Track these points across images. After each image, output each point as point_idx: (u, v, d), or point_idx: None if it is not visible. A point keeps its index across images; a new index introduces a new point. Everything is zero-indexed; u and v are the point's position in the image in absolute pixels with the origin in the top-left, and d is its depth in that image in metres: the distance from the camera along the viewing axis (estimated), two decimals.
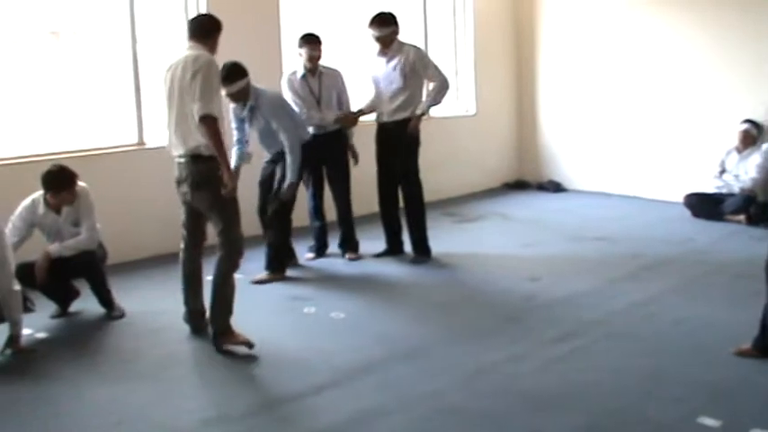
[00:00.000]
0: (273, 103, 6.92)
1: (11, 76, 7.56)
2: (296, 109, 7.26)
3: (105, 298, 6.25)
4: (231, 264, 5.48)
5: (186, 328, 5.83)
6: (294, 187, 6.91)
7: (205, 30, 5.51)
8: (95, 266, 6.25)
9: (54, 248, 6.05)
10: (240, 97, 6.83)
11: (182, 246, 5.82)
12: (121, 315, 6.21)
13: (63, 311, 6.29)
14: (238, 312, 6.11)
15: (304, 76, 7.44)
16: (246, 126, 7.10)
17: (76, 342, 5.80)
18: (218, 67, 5.41)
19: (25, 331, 5.77)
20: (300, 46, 7.41)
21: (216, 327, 5.45)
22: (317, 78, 7.45)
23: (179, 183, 5.56)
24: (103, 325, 6.08)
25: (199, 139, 5.27)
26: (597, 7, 10.38)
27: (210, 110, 5.18)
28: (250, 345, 5.35)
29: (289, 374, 5.00)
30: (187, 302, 5.80)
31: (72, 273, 6.22)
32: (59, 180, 5.98)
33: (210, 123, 5.18)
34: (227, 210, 5.42)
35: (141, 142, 7.96)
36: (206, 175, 5.36)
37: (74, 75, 7.99)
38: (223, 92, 6.25)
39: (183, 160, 5.45)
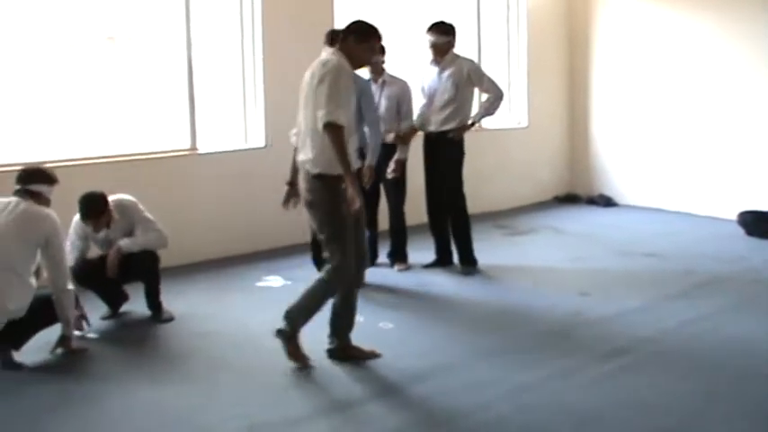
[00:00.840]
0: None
1: (68, 81, 7.66)
2: None
3: (156, 302, 6.30)
4: (328, 289, 5.23)
5: (234, 332, 5.86)
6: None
7: (338, 34, 5.34)
8: (156, 268, 6.30)
9: (125, 243, 6.10)
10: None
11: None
12: (170, 318, 6.25)
13: (113, 313, 6.35)
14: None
15: (368, 83, 7.31)
16: None
17: (126, 343, 5.87)
18: (349, 73, 5.12)
19: (76, 332, 5.85)
20: None
21: (289, 327, 5.23)
22: (380, 86, 7.40)
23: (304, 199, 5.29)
24: (152, 328, 6.13)
25: (315, 153, 5.02)
26: (653, 18, 10.27)
27: (336, 117, 4.86)
28: (308, 365, 5.22)
29: (336, 384, 5.00)
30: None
31: (132, 274, 6.25)
32: (90, 209, 5.95)
33: (335, 132, 4.86)
34: (337, 235, 5.10)
35: (194, 147, 8.02)
36: (318, 194, 5.09)
37: (128, 79, 8.08)
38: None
39: (305, 168, 5.18)
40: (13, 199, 5.39)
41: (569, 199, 11.09)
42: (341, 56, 5.09)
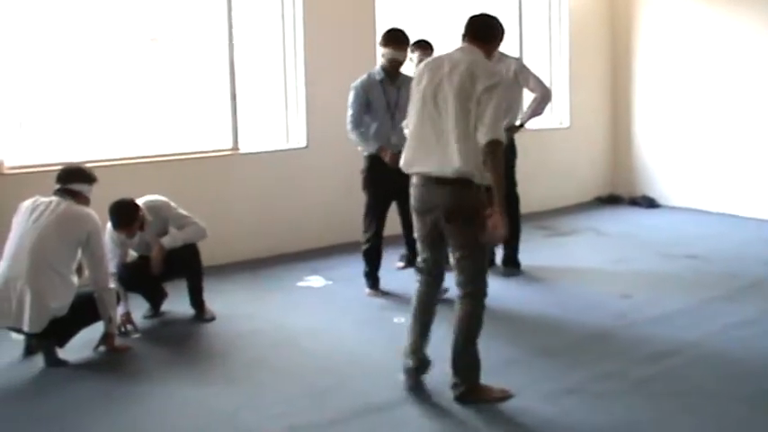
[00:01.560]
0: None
1: (111, 81, 7.72)
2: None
3: (199, 299, 6.33)
4: (480, 317, 4.79)
5: (274, 332, 5.89)
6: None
7: (491, 33, 4.85)
8: (197, 264, 6.35)
9: (167, 240, 6.14)
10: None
11: (418, 278, 5.03)
12: (212, 318, 6.28)
13: (155, 312, 6.40)
14: (327, 321, 6.17)
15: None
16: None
17: (168, 343, 5.92)
18: (504, 84, 4.77)
19: (121, 330, 5.91)
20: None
21: (461, 383, 4.75)
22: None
23: (422, 211, 4.78)
24: (194, 327, 6.17)
25: (463, 162, 4.53)
26: (696, 17, 10.15)
27: (500, 134, 4.47)
28: (508, 396, 4.77)
29: (377, 384, 4.99)
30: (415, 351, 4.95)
31: (174, 271, 6.28)
32: (120, 218, 5.93)
33: (498, 150, 4.46)
34: (479, 251, 4.72)
35: (235, 147, 8.06)
36: (465, 206, 4.61)
37: (171, 80, 8.13)
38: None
39: (430, 181, 4.68)
40: (54, 198, 5.46)
41: (611, 200, 11.00)
42: (482, 55, 4.73)
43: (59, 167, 5.74)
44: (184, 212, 6.30)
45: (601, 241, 8.86)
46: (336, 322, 6.17)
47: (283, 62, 8.42)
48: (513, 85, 7.18)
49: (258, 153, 8.23)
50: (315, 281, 7.33)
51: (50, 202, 5.42)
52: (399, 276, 7.21)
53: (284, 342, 5.78)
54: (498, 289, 6.95)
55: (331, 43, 8.39)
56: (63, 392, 4.96)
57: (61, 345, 5.41)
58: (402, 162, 4.85)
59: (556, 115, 10.71)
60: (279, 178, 8.25)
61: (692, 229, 9.31)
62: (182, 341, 5.93)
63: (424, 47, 7.24)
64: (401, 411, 4.63)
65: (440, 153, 4.59)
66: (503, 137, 4.50)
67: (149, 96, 7.99)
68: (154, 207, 6.19)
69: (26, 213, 5.42)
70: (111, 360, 5.49)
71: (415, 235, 4.96)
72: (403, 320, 5.91)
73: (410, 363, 4.88)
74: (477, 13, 4.90)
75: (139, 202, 6.06)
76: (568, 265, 7.77)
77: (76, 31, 7.50)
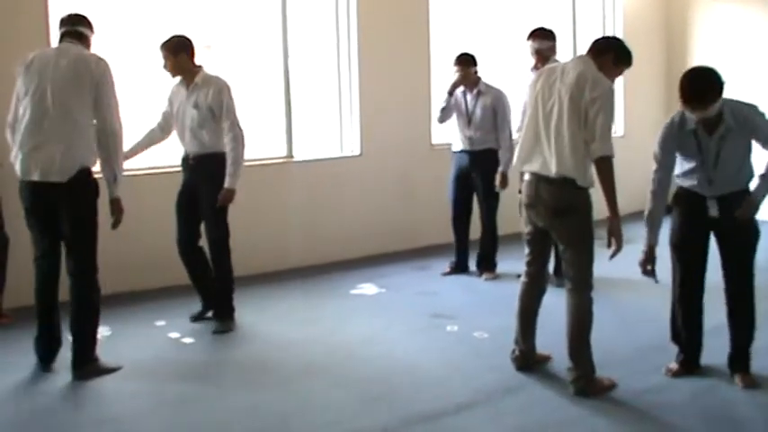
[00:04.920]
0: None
1: (167, 88, 7.78)
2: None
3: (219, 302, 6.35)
4: (589, 306, 4.97)
5: (327, 339, 5.91)
6: None
7: (603, 47, 4.93)
8: (227, 261, 6.29)
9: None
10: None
11: (523, 280, 5.34)
12: (226, 330, 6.20)
13: (202, 313, 6.42)
14: (380, 329, 6.17)
15: (463, 93, 7.57)
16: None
17: (222, 347, 5.93)
18: (614, 95, 4.83)
19: (173, 335, 5.97)
20: (455, 65, 7.49)
21: (582, 376, 4.90)
22: (475, 96, 7.50)
23: (530, 205, 4.99)
24: (247, 333, 6.20)
25: (572, 164, 4.73)
26: (753, 23, 10.02)
27: (610, 149, 4.70)
28: (614, 385, 4.97)
29: (429, 392, 4.97)
30: (517, 341, 5.31)
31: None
32: (171, 39, 6.07)
33: (608, 166, 4.72)
34: (586, 242, 4.91)
35: (290, 155, 8.11)
36: (574, 203, 4.82)
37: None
38: None
39: (542, 180, 4.86)
40: (63, 44, 5.27)
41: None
42: (595, 66, 4.80)
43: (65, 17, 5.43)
44: (233, 111, 6.17)
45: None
46: (389, 330, 6.17)
47: (338, 70, 8.46)
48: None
49: (312, 161, 8.26)
50: (368, 288, 7.34)
51: (59, 49, 5.23)
52: (451, 284, 7.20)
53: (337, 349, 5.79)
54: (550, 296, 6.90)
55: (385, 51, 8.41)
56: (117, 395, 5.01)
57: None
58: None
59: None
60: (332, 186, 8.28)
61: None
62: (235, 346, 5.95)
63: (467, 61, 7.47)
64: (452, 420, 4.60)
65: (548, 153, 4.81)
66: (612, 151, 4.70)
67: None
68: (214, 78, 6.18)
69: (37, 67, 5.15)
70: (166, 365, 5.53)
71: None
72: (456, 329, 5.91)
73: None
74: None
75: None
76: (623, 275, 7.63)
77: (134, 39, 7.59)
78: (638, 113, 10.73)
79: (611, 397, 4.85)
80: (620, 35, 10.45)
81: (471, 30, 9.39)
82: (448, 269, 7.74)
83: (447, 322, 6.25)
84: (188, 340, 6.01)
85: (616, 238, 4.84)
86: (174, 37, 6.14)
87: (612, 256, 4.90)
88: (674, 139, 5.07)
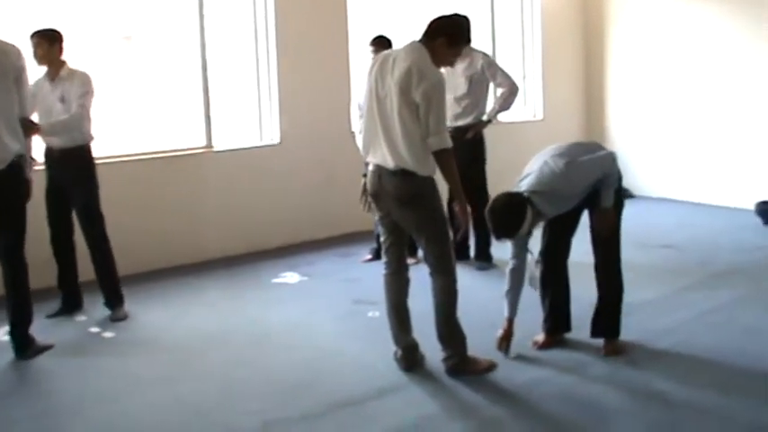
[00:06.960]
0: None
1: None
2: None
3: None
4: (453, 287, 5.00)
5: (249, 329, 5.90)
6: None
7: (434, 31, 4.74)
8: (102, 235, 6.30)
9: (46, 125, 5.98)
10: None
11: (385, 272, 5.16)
12: (123, 317, 6.26)
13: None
14: (302, 317, 6.18)
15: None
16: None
17: (141, 341, 5.87)
18: (444, 84, 4.74)
19: (94, 329, 5.91)
20: (370, 45, 7.26)
21: (453, 355, 4.97)
22: None
23: (375, 195, 4.92)
24: (165, 326, 6.16)
25: (409, 158, 4.68)
26: (669, 8, 10.21)
27: (447, 143, 4.66)
28: (493, 366, 5.02)
29: (352, 378, 5.01)
30: (396, 340, 5.15)
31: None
32: (40, 30, 6.00)
33: (447, 158, 4.69)
34: (437, 227, 4.88)
35: (209, 145, 8.05)
36: (417, 193, 4.77)
37: (145, 78, 8.12)
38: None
39: (384, 171, 4.80)
40: None
41: None
42: (427, 55, 4.67)
43: None
44: (87, 97, 6.10)
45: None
46: (311, 318, 6.18)
47: (256, 59, 8.42)
48: (480, 79, 7.24)
49: (232, 150, 8.22)
50: (290, 277, 7.34)
51: None
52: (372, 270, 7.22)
53: (259, 339, 5.78)
54: (471, 282, 6.98)
55: (303, 40, 8.40)
56: (41, 393, 4.96)
57: None
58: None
59: (529, 108, 10.75)
60: (252, 175, 8.24)
61: (666, 219, 9.39)
62: (155, 339, 5.89)
63: (382, 43, 7.22)
64: (375, 404, 4.64)
65: (382, 145, 4.75)
66: (449, 142, 4.67)
67: (123, 95, 7.97)
68: (79, 72, 6.12)
69: None
70: (83, 359, 5.48)
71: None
72: (377, 314, 5.94)
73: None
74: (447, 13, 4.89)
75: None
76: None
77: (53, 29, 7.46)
78: (558, 98, 10.87)
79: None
80: (538, 22, 10.59)
81: (390, 14, 9.41)
82: (369, 256, 7.74)
83: (369, 308, 6.27)
84: (108, 334, 5.95)
85: (464, 222, 4.91)
86: (49, 28, 6.07)
87: (456, 235, 5.09)
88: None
